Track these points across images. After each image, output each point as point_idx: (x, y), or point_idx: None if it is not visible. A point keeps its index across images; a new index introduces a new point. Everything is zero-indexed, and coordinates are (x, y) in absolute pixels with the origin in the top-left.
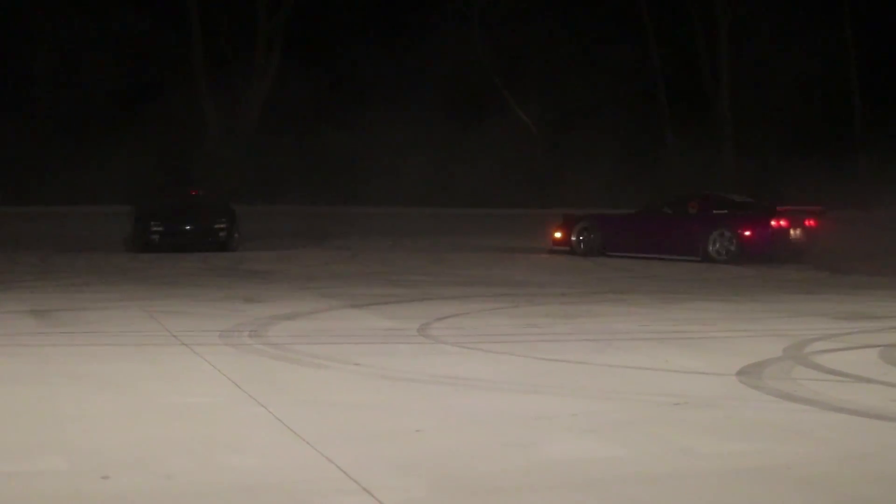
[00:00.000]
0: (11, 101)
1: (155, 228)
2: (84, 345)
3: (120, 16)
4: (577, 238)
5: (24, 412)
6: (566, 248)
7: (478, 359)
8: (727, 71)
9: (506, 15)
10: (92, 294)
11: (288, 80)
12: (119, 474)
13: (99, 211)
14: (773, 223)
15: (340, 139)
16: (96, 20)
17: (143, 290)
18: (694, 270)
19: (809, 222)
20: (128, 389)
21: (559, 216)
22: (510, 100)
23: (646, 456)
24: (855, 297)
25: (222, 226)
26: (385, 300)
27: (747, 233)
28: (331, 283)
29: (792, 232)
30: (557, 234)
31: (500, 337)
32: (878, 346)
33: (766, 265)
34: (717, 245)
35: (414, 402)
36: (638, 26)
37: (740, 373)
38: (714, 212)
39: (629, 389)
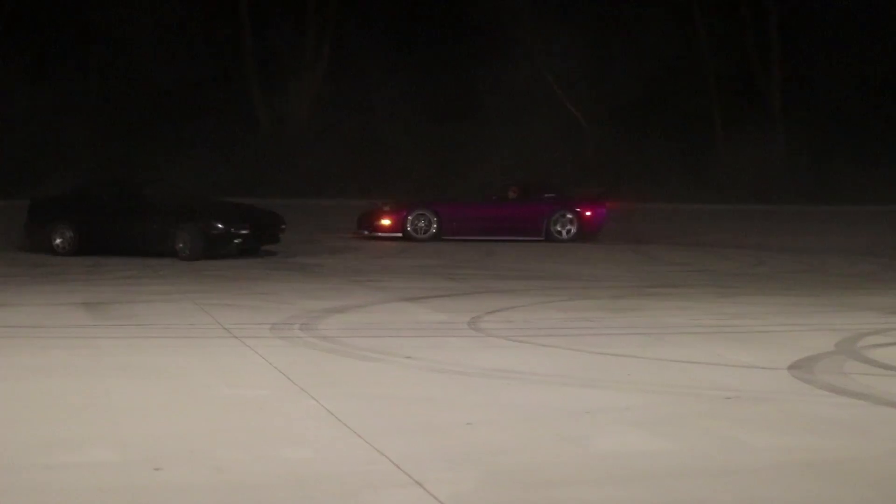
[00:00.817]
0: (66, 96)
1: (241, 231)
2: (136, 337)
3: (170, 11)
4: (414, 224)
5: (78, 404)
6: (398, 233)
7: (528, 352)
8: (779, 64)
9: (556, 10)
10: (143, 287)
11: (338, 75)
12: (171, 466)
13: None
14: (606, 205)
15: (392, 133)
16: (148, 15)
17: (195, 283)
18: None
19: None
20: (179, 382)
21: (389, 203)
22: (560, 94)
23: (697, 450)
24: None
25: (283, 226)
26: (436, 293)
27: (587, 213)
28: (381, 277)
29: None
30: (386, 221)
31: (551, 330)
32: None
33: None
34: (558, 226)
35: (464, 396)
36: (688, 19)
37: (792, 367)
38: (545, 195)
39: (680, 383)
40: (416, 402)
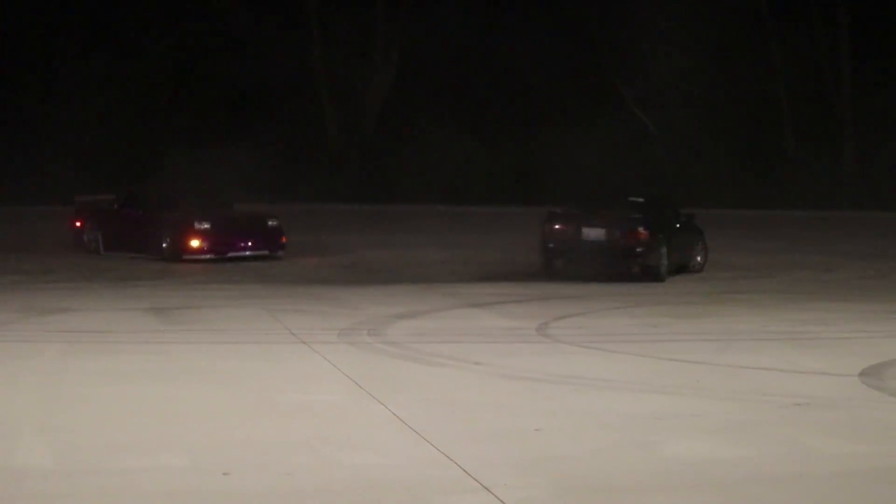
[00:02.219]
0: (130, 101)
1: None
2: (205, 342)
3: (240, 17)
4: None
5: (147, 409)
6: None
7: (597, 358)
8: (849, 76)
9: (626, 15)
10: (211, 292)
11: (407, 82)
12: (240, 471)
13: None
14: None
15: (459, 140)
16: (217, 21)
17: (263, 288)
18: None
19: None
20: (248, 387)
21: None
22: (628, 99)
23: (769, 456)
24: None
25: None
26: (504, 299)
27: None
28: (450, 282)
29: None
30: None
31: (620, 336)
32: None
33: None
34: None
35: (533, 402)
36: (760, 28)
37: (862, 374)
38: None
39: (751, 389)
40: (485, 408)
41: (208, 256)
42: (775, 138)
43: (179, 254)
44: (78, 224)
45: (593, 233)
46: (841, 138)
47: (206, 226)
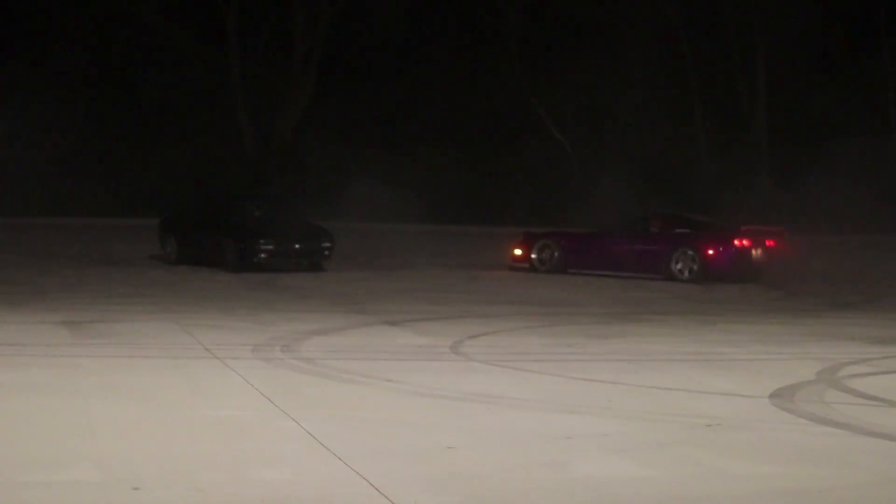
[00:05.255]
0: (49, 110)
1: (265, 247)
2: (117, 356)
3: (158, 29)
4: (539, 256)
5: (58, 423)
6: (526, 264)
7: (510, 377)
8: (764, 92)
9: (543, 35)
10: (125, 306)
11: (324, 97)
12: (151, 486)
13: (131, 224)
14: (735, 243)
15: (374, 157)
16: (134, 33)
17: (177, 303)
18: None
19: (770, 243)
20: (160, 402)
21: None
22: (546, 120)
23: (678, 477)
24: (885, 322)
25: (327, 245)
26: (419, 317)
27: (710, 251)
28: (364, 300)
29: (753, 252)
30: (517, 252)
31: (533, 356)
32: None
33: (730, 284)
34: (680, 264)
35: (446, 420)
36: (675, 47)
37: (773, 395)
38: (676, 230)
39: (661, 410)
40: (397, 426)
41: None
42: (691, 157)
43: None
44: None
45: None
46: (757, 156)
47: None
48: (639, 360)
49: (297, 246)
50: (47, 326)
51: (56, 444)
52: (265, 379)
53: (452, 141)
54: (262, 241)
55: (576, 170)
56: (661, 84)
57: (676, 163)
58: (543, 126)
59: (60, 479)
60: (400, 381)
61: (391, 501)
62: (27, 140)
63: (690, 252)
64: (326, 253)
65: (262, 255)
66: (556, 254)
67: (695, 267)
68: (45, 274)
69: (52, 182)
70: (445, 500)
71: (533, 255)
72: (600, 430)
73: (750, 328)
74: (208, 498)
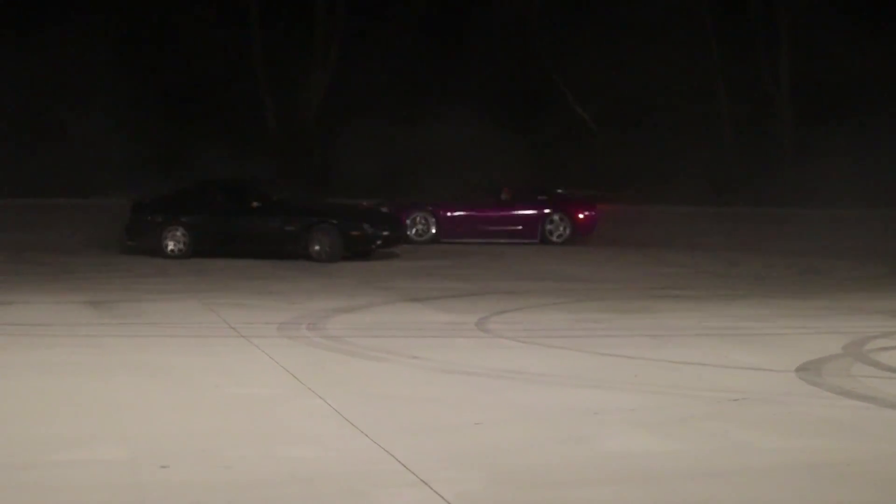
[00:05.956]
0: (71, 95)
1: (382, 233)
2: (143, 335)
3: (178, 10)
4: (412, 227)
5: (85, 402)
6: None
7: (536, 353)
8: (788, 72)
9: (565, 11)
10: (150, 286)
11: (347, 74)
12: (178, 464)
13: None
14: (596, 208)
15: (398, 134)
16: (153, 15)
17: (203, 283)
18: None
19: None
20: (186, 381)
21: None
22: (568, 96)
23: (704, 451)
24: None
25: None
26: (443, 294)
27: (580, 216)
28: (389, 278)
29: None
30: None
31: (558, 332)
32: None
33: (754, 260)
34: (553, 227)
35: (472, 396)
36: (698, 23)
37: (799, 369)
38: (539, 198)
39: (688, 385)
40: (424, 402)
41: None
42: (714, 137)
43: None
44: None
45: None
46: (780, 133)
47: None
48: (664, 335)
49: (385, 232)
50: (73, 306)
51: (83, 424)
52: (291, 357)
53: (473, 115)
54: (375, 226)
55: (598, 146)
56: (684, 60)
57: (699, 141)
58: (565, 101)
59: (88, 458)
60: (426, 358)
61: (418, 477)
62: (55, 122)
63: (560, 216)
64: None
65: (379, 243)
66: (431, 226)
67: (567, 231)
68: (70, 253)
69: (76, 165)
70: (472, 476)
71: (409, 231)
72: (627, 404)
73: (775, 302)
74: (236, 475)
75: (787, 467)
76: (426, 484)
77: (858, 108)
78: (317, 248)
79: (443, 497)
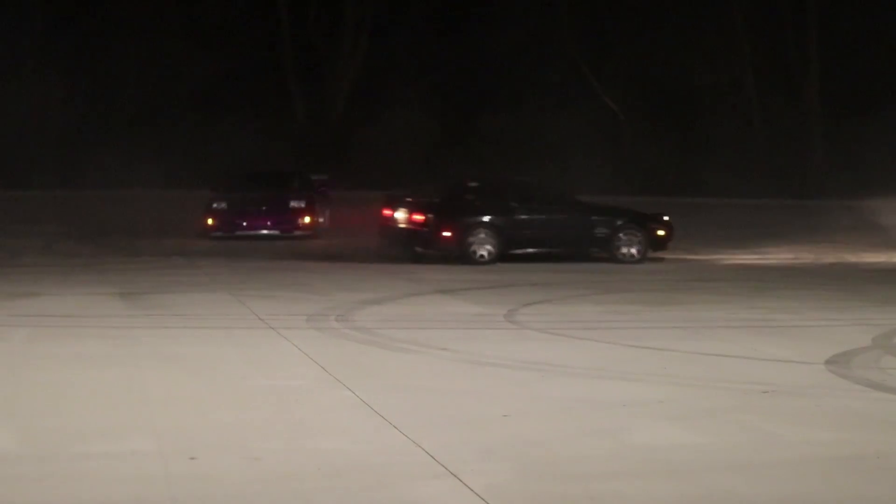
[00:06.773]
0: (99, 91)
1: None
2: (172, 327)
3: (207, 5)
4: None
5: (114, 393)
6: None
7: (565, 345)
8: (817, 58)
9: (592, 2)
10: (179, 277)
11: (375, 66)
12: (207, 456)
13: (187, 195)
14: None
15: (427, 125)
16: (183, 9)
17: (230, 273)
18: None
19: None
20: (215, 372)
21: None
22: (597, 87)
23: (733, 444)
24: None
25: None
26: (472, 285)
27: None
28: (417, 269)
29: None
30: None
31: (587, 323)
32: None
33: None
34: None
35: (501, 388)
36: (725, 12)
37: (829, 362)
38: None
39: (717, 377)
40: (452, 394)
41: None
42: (743, 124)
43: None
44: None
45: None
46: (809, 126)
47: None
48: (693, 327)
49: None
50: (102, 297)
51: (112, 415)
52: (320, 348)
53: (501, 105)
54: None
55: (627, 137)
56: (714, 53)
57: (730, 131)
58: (594, 92)
59: (117, 450)
60: (455, 350)
61: (447, 469)
62: (85, 113)
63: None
64: None
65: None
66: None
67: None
68: (100, 245)
69: (105, 156)
70: (501, 468)
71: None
72: (655, 396)
73: (805, 294)
74: (265, 467)
75: (816, 460)
76: (455, 476)
77: (885, 100)
78: (627, 249)
79: (471, 489)
